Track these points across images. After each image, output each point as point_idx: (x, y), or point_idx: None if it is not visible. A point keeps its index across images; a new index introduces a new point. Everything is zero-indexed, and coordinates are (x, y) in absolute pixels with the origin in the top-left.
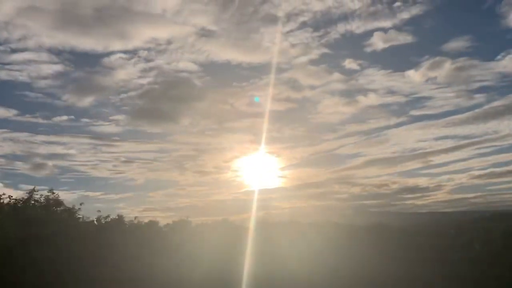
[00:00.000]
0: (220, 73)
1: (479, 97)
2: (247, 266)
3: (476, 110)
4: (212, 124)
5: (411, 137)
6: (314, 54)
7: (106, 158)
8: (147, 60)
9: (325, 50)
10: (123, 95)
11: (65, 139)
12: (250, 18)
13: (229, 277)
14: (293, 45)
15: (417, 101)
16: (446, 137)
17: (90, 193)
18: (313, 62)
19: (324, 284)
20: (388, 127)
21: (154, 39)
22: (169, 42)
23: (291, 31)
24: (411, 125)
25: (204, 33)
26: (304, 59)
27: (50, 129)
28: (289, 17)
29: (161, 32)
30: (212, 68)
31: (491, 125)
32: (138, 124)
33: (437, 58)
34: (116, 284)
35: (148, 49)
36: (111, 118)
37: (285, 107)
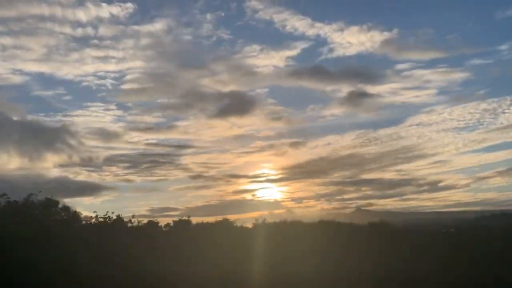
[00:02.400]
0: None
1: None
2: (248, 266)
3: None
4: None
5: None
6: None
7: None
8: None
9: None
10: None
11: None
12: None
13: (229, 277)
14: None
15: None
16: None
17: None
18: None
19: (325, 284)
20: None
21: None
22: None
23: None
24: None
25: None
26: None
27: None
28: None
29: None
30: None
31: None
32: None
33: None
34: (115, 285)
35: None
36: None
37: None
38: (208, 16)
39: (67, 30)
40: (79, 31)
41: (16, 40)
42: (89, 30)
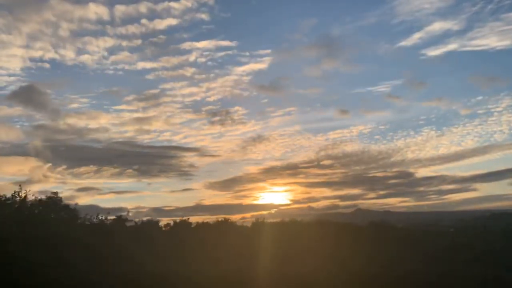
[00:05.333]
0: None
1: None
2: (249, 265)
3: None
4: None
5: None
6: None
7: None
8: None
9: None
10: None
11: None
12: None
13: (229, 276)
14: None
15: None
16: None
17: None
18: None
19: (325, 283)
20: None
21: None
22: None
23: None
24: None
25: None
26: None
27: None
28: None
29: None
30: None
31: None
32: None
33: None
34: (115, 284)
35: None
36: None
37: None
38: None
39: None
40: None
41: None
42: None
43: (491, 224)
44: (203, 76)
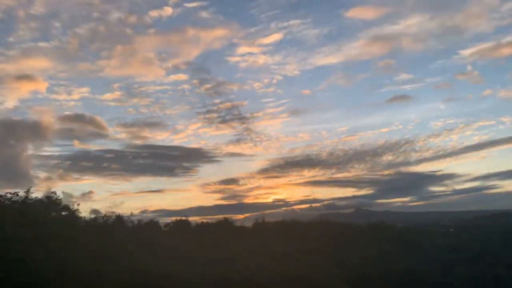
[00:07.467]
0: None
1: None
2: (249, 265)
3: None
4: None
5: None
6: None
7: None
8: None
9: None
10: None
11: None
12: None
13: (229, 276)
14: None
15: None
16: None
17: None
18: None
19: (325, 283)
20: None
21: None
22: None
23: None
24: None
25: None
26: None
27: None
28: None
29: None
30: None
31: None
32: None
33: None
34: (115, 284)
35: None
36: None
37: None
38: None
39: None
40: None
41: None
42: None
43: (491, 224)
44: None
